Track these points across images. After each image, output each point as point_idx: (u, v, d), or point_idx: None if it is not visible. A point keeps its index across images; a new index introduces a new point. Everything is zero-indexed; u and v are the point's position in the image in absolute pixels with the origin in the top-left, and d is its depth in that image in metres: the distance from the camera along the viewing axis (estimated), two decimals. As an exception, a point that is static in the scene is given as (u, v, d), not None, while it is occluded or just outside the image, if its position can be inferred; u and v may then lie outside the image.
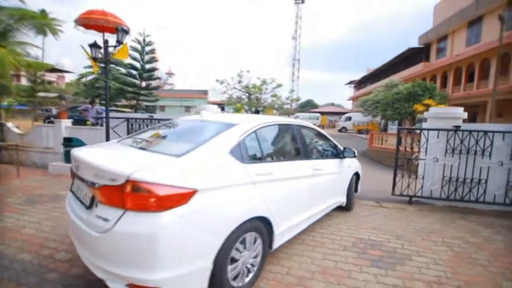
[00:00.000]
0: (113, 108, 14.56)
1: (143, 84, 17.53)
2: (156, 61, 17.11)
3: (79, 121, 7.97)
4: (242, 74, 28.40)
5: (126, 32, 5.32)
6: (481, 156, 4.20)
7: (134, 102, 17.50)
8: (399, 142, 4.63)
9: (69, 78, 37.94)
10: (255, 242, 2.07)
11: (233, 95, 30.99)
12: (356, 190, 4.31)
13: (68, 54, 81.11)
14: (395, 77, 22.99)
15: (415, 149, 4.89)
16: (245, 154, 2.06)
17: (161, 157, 1.79)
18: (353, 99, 47.11)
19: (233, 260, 1.87)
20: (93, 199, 1.70)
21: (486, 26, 17.37)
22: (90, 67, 17.40)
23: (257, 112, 27.18)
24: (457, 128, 4.27)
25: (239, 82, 29.69)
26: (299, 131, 2.92)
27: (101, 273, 1.59)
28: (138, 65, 16.80)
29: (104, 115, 6.45)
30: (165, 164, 1.68)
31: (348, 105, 51.68)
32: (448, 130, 4.31)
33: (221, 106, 36.48)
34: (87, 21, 4.96)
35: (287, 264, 2.46)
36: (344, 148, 3.65)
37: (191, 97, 41.11)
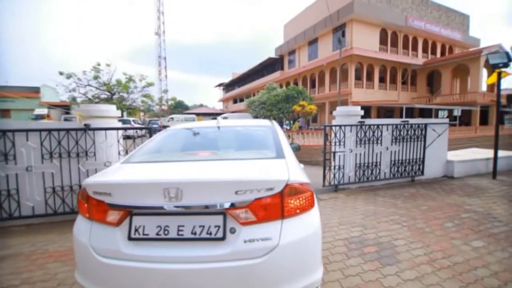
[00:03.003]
0: None
1: None
2: None
3: None
4: (100, 69, 22.98)
5: None
6: (376, 143, 5.38)
7: None
8: (325, 139, 5.11)
9: None
10: None
11: (88, 94, 24.65)
12: None
13: None
14: (259, 82, 26.30)
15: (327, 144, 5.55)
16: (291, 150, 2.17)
17: (270, 161, 1.77)
18: (224, 100, 49.91)
19: None
20: (225, 225, 1.39)
21: (320, 46, 23.22)
22: None
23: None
24: (362, 123, 5.22)
25: (96, 78, 23.90)
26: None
27: None
28: None
29: None
30: (292, 166, 1.66)
31: (219, 105, 54.35)
32: (356, 125, 5.19)
33: (66, 108, 28.18)
34: None
35: (324, 300, 1.98)
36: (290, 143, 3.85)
37: (11, 97, 28.85)
